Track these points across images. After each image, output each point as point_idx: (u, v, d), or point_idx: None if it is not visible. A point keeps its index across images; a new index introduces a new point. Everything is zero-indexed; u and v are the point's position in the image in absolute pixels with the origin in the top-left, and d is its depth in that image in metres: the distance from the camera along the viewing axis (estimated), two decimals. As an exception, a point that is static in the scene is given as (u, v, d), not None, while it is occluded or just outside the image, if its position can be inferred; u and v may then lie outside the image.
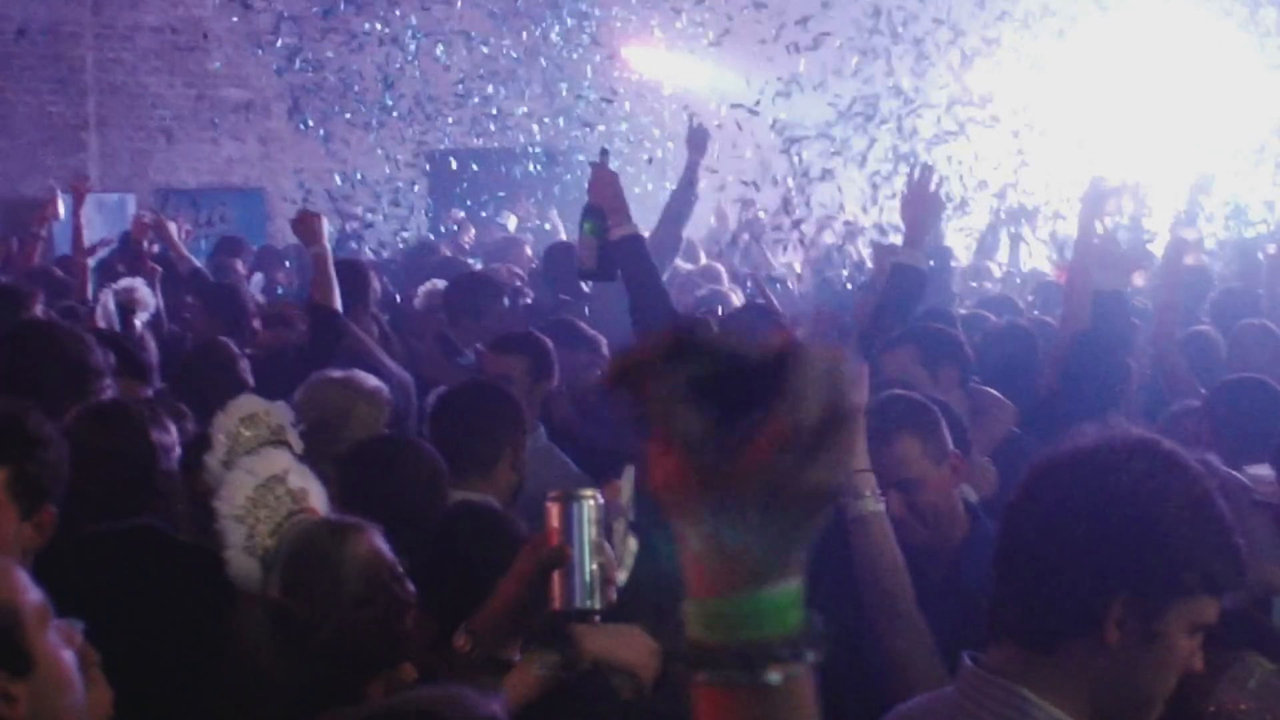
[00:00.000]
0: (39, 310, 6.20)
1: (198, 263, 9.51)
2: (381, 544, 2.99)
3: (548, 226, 13.58)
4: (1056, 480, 2.08)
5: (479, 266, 10.12)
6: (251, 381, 5.30)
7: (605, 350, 5.96)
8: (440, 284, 8.12)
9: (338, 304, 5.88)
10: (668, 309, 5.11)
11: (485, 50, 15.16)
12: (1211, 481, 2.08)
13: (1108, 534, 1.99)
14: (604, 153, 5.40)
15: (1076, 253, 5.84)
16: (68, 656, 2.10)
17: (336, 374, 4.81)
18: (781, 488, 1.17)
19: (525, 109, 15.13)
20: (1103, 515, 2.00)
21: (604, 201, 5.13)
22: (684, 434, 1.17)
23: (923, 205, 5.76)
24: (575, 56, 15.17)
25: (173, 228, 9.47)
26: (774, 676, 1.20)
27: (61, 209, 9.12)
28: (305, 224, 6.03)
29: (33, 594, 2.08)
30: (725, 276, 9.36)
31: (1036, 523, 2.08)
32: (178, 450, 3.92)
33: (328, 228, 6.18)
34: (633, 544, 2.96)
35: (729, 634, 1.21)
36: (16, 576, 2.07)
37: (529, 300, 7.98)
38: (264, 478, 3.05)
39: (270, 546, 2.98)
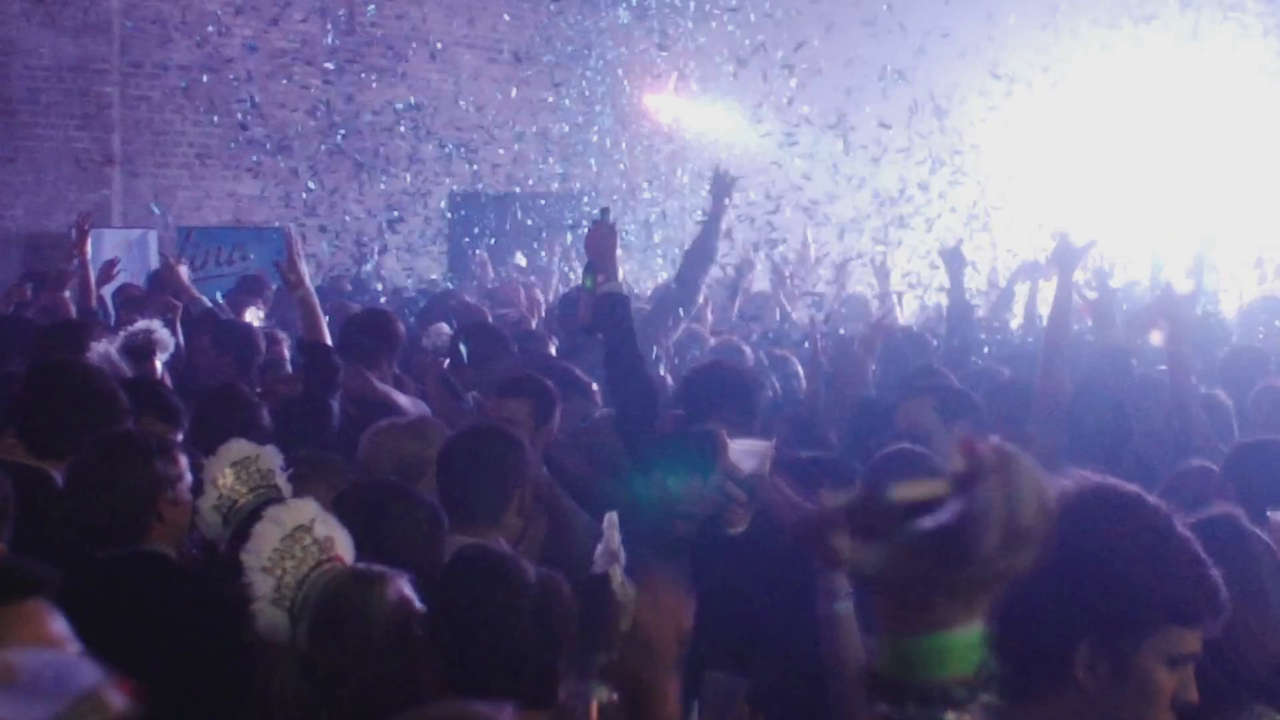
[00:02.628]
0: (101, 345, 6.21)
1: (209, 302, 9.53)
2: (409, 593, 2.99)
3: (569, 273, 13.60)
4: None
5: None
6: (269, 427, 5.31)
7: (596, 396, 6.00)
8: (446, 328, 8.19)
9: (327, 339, 5.92)
10: (640, 371, 5.16)
11: (511, 95, 15.37)
12: (1174, 518, 2.08)
13: (1064, 580, 1.97)
14: (605, 210, 5.51)
15: (1054, 310, 5.83)
16: None
17: (402, 421, 4.91)
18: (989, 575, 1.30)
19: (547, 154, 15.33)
20: (1058, 562, 1.97)
21: (594, 257, 5.25)
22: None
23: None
24: (599, 108, 15.40)
25: (184, 270, 9.49)
26: (951, 717, 1.27)
27: (89, 244, 9.16)
28: (290, 271, 6.09)
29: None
30: (707, 337, 9.26)
31: None
32: (188, 479, 3.93)
33: (309, 270, 6.26)
34: (631, 591, 2.95)
35: (914, 671, 1.28)
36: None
37: (553, 346, 7.90)
38: (290, 528, 3.04)
39: (298, 597, 2.98)
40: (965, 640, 1.29)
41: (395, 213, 14.53)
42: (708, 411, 4.99)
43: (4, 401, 4.93)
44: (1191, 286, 6.15)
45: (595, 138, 15.94)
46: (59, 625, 2.09)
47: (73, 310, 8.51)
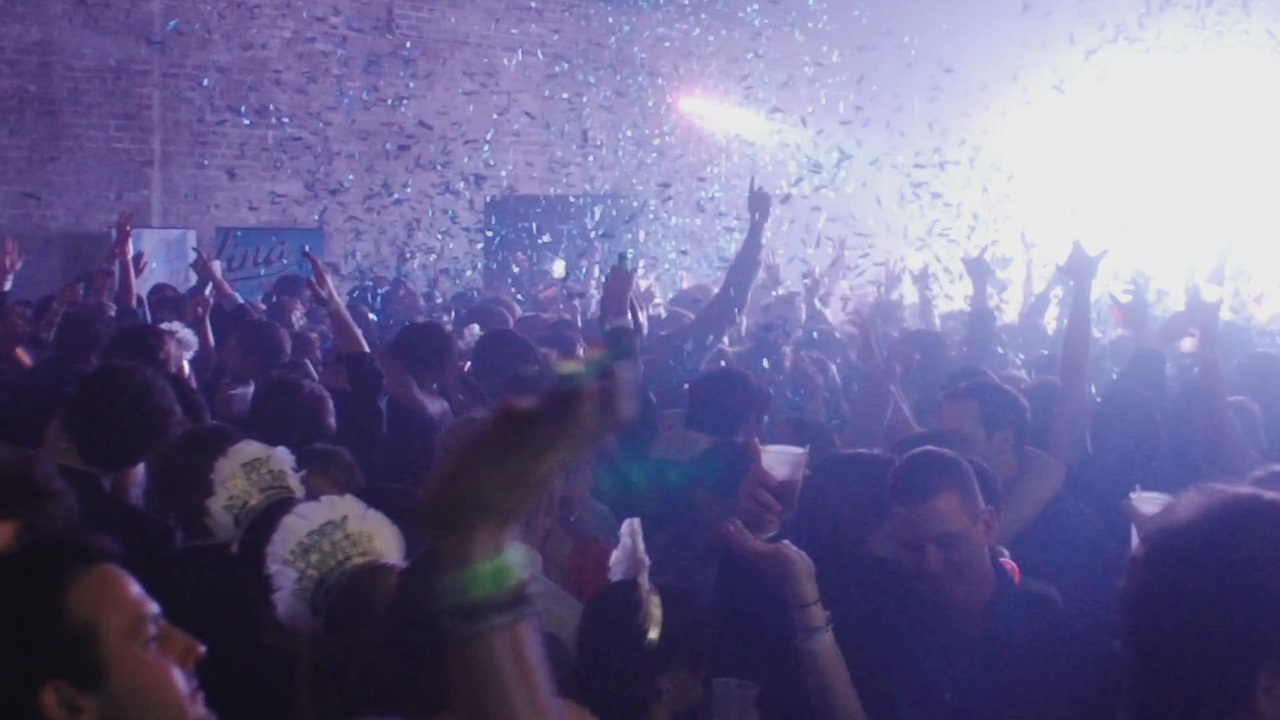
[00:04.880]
0: (172, 348, 6.31)
1: (240, 299, 9.62)
2: None
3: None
4: (1170, 562, 2.02)
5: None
6: (334, 424, 5.40)
7: None
8: (477, 329, 8.25)
9: (364, 346, 6.07)
10: (641, 394, 5.47)
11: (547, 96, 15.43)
12: None
13: (1235, 607, 1.93)
14: (622, 257, 6.01)
15: (1072, 320, 5.83)
16: (162, 668, 2.13)
17: (479, 416, 5.04)
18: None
19: (589, 158, 15.39)
20: (1226, 589, 1.94)
21: (607, 298, 5.82)
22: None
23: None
24: (637, 110, 15.46)
25: (217, 266, 9.59)
26: (504, 619, 1.57)
27: (130, 245, 9.26)
28: (319, 286, 6.23)
29: (124, 606, 2.13)
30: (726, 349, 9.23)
31: (1161, 610, 2.01)
32: None
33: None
34: (657, 599, 2.96)
35: (468, 593, 1.57)
36: (108, 590, 2.13)
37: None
38: (318, 523, 3.05)
39: (321, 589, 2.99)
40: (500, 564, 1.59)
41: (442, 210, 14.56)
42: (708, 416, 5.56)
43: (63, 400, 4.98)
44: (1218, 293, 6.11)
45: (632, 141, 15.97)
46: (135, 587, 2.17)
47: (113, 311, 8.58)
